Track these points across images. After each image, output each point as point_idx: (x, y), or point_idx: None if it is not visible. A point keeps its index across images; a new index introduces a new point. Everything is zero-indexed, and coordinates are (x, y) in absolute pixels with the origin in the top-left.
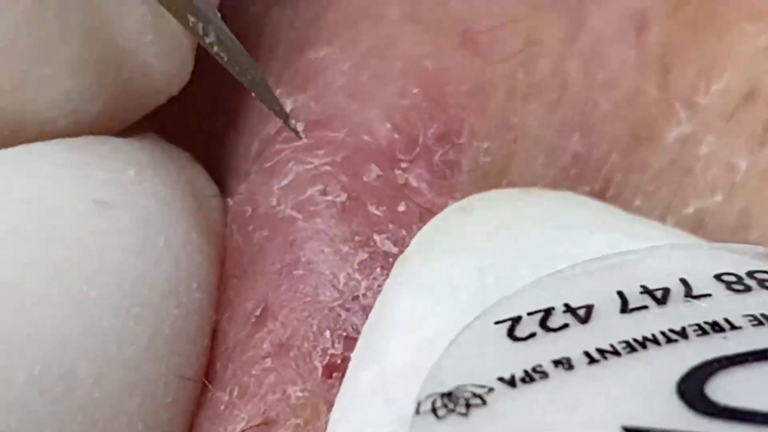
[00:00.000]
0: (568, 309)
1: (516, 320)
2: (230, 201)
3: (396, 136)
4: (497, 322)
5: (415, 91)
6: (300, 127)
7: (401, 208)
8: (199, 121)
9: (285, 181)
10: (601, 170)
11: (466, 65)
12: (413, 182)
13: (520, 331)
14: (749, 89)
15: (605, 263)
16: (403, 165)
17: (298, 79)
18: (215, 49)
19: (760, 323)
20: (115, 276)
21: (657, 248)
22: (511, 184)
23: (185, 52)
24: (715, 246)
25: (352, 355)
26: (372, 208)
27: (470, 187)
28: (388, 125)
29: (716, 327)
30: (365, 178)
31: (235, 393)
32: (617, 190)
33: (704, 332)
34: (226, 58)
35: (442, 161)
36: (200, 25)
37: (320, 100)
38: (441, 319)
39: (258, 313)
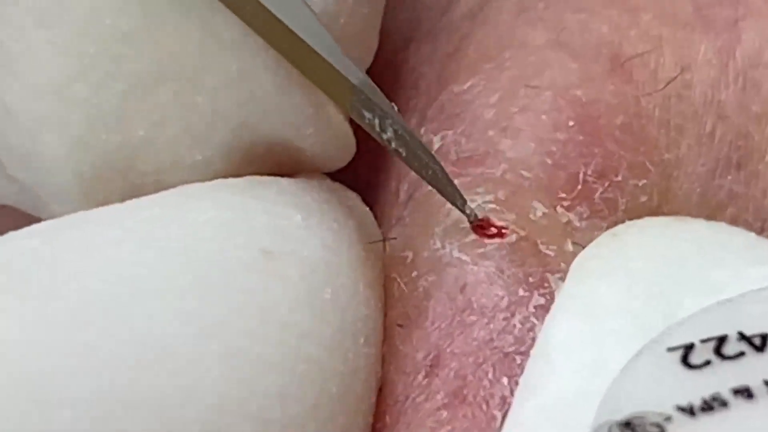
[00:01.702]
0: (743, 337)
1: (689, 347)
2: (387, 249)
3: (557, 172)
4: (670, 349)
5: (570, 124)
6: (451, 167)
7: (568, 247)
8: (342, 168)
9: (446, 223)
10: (757, 210)
11: (618, 95)
12: (575, 221)
13: (694, 359)
14: None
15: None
16: (565, 203)
17: (443, 115)
18: (393, 145)
19: None
20: (278, 331)
21: None
22: None
23: (347, 139)
24: None
25: (517, 387)
26: (543, 248)
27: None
28: (548, 161)
29: None
30: (531, 216)
31: None
32: None
33: None
34: (404, 154)
35: (602, 199)
36: (377, 121)
37: (471, 136)
38: (605, 344)
39: (429, 362)
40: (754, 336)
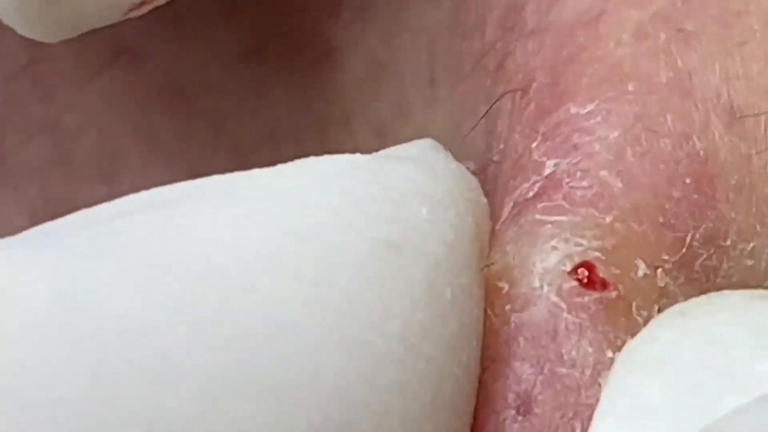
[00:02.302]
0: None
1: None
2: (484, 272)
3: (665, 232)
4: None
5: (687, 180)
6: (561, 200)
7: (655, 314)
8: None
9: (548, 262)
10: None
11: (735, 151)
12: (671, 287)
13: None
14: None
15: None
16: (667, 266)
17: (559, 137)
18: None
19: None
20: (400, 326)
21: None
22: None
23: None
24: None
25: None
26: (635, 311)
27: (722, 288)
28: (660, 218)
29: None
30: (632, 275)
31: None
32: None
33: None
34: None
35: (702, 266)
36: None
37: (586, 171)
38: None
39: (518, 405)
40: None
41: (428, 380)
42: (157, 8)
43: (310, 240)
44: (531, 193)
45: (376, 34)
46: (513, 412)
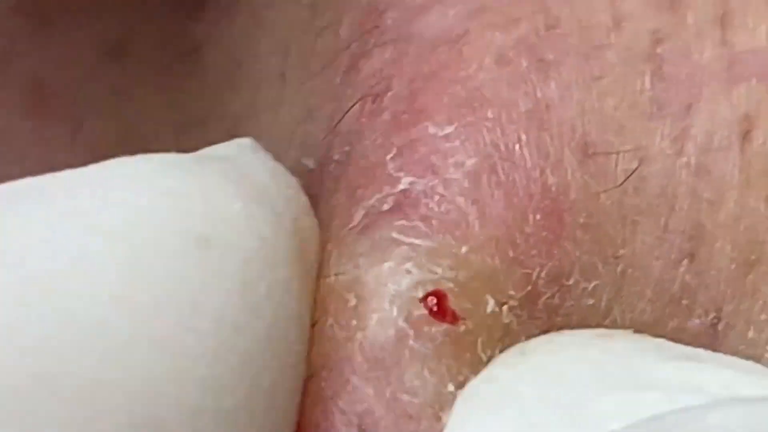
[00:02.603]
0: None
1: None
2: (330, 280)
3: (515, 268)
4: None
5: (538, 216)
6: (418, 221)
7: (496, 353)
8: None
9: (401, 286)
10: (711, 301)
11: (585, 188)
12: (514, 325)
13: None
14: None
15: (661, 424)
16: (512, 303)
17: (416, 155)
18: None
19: None
20: (212, 322)
21: (717, 403)
22: (614, 323)
23: None
24: None
25: None
26: (480, 348)
27: (563, 327)
28: (511, 253)
29: None
30: (481, 310)
31: None
32: (729, 322)
33: None
34: None
35: (545, 304)
36: None
37: (443, 196)
38: None
39: (357, 424)
40: None
41: (242, 375)
42: (23, 8)
43: (118, 238)
44: (386, 206)
45: (237, 33)
46: (355, 430)
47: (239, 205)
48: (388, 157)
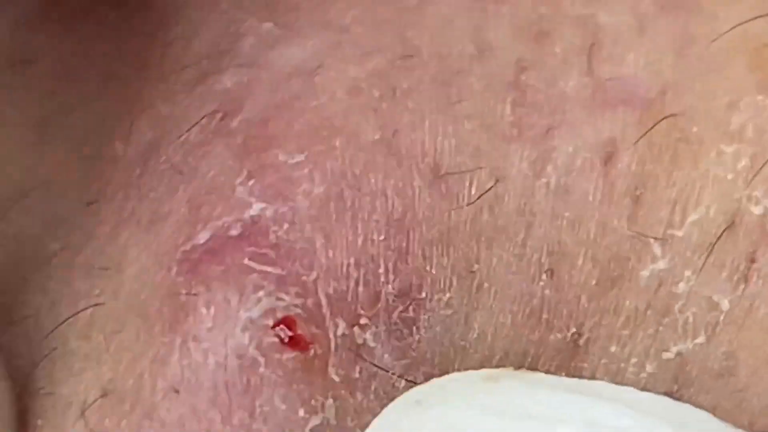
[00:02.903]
0: None
1: None
2: (182, 298)
3: (361, 289)
4: None
5: (382, 237)
6: (268, 250)
7: (355, 374)
8: None
9: (253, 313)
10: (571, 316)
11: (434, 207)
12: (370, 342)
13: None
14: (729, 218)
15: None
16: (363, 321)
17: (266, 180)
18: None
19: None
20: None
21: None
22: (478, 337)
23: None
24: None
25: None
26: (332, 371)
27: (429, 344)
28: (356, 275)
29: None
30: (331, 334)
31: None
32: (591, 336)
33: None
34: None
35: (401, 319)
36: None
37: (292, 224)
38: None
39: None
40: None
41: None
42: None
43: None
44: (235, 231)
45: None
46: None
47: None
48: (238, 180)
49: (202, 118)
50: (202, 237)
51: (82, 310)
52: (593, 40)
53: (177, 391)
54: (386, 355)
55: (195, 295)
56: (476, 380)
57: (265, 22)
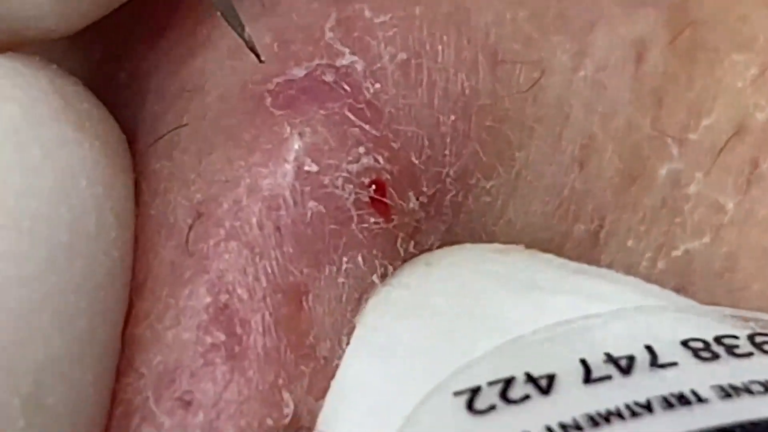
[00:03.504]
0: (530, 379)
1: (475, 391)
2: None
3: (430, 166)
4: (456, 393)
5: (452, 117)
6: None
7: (411, 248)
8: None
9: (353, 168)
10: (596, 208)
11: (492, 93)
12: (422, 222)
13: (479, 404)
14: (737, 125)
15: (568, 328)
16: (422, 200)
17: (356, 33)
18: None
19: (728, 395)
20: None
21: (621, 311)
22: (509, 223)
23: None
24: (682, 308)
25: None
26: (398, 242)
27: (464, 228)
28: (429, 152)
29: (682, 399)
30: (404, 206)
31: None
32: (610, 229)
33: (670, 405)
34: None
35: (450, 202)
36: None
37: (382, 84)
38: (399, 386)
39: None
40: (541, 377)
41: (39, 238)
42: None
43: None
44: (329, 78)
45: None
46: (280, 296)
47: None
48: (328, 25)
49: None
50: (297, 74)
51: (167, 133)
52: None
53: (278, 229)
54: (431, 237)
55: (299, 134)
56: (486, 250)
57: None
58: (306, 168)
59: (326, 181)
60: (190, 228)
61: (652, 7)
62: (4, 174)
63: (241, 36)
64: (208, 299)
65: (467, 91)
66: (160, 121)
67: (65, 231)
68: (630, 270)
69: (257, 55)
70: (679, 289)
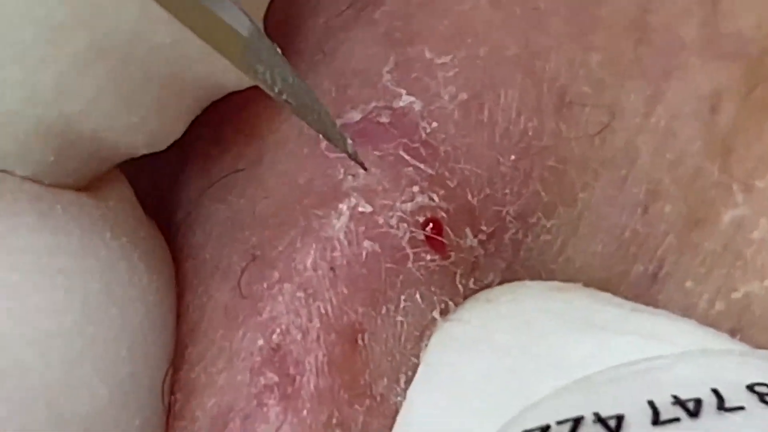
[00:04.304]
0: (599, 419)
1: (545, 429)
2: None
3: (489, 204)
4: None
5: (512, 157)
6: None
7: (471, 284)
8: None
9: (409, 206)
10: (656, 250)
11: (557, 134)
12: (481, 259)
13: None
14: None
15: (634, 369)
16: (481, 237)
17: (414, 74)
18: (284, 97)
19: None
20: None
21: (686, 354)
22: (568, 261)
23: None
24: (744, 352)
25: None
26: (458, 279)
27: (524, 266)
28: (488, 190)
29: None
30: (462, 242)
31: None
32: (669, 271)
33: None
34: (294, 104)
35: (510, 240)
36: (268, 74)
37: (440, 124)
38: (462, 422)
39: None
40: (610, 418)
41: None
42: None
43: None
44: (385, 119)
45: None
46: (334, 336)
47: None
48: (386, 68)
49: (347, 8)
50: (353, 117)
51: (223, 177)
52: None
53: (333, 270)
54: (491, 274)
55: (353, 176)
56: (545, 288)
57: None
58: (360, 209)
59: (381, 220)
60: (243, 270)
61: (731, 60)
62: (32, 236)
63: (345, 150)
64: (261, 341)
65: (530, 132)
66: (214, 165)
67: (97, 281)
68: (687, 311)
69: (362, 165)
70: (735, 331)
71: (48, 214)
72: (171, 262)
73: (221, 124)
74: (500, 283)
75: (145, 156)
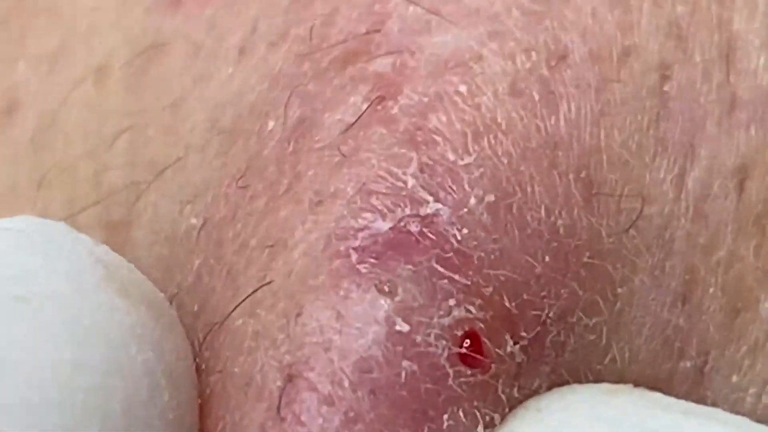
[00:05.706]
0: None
1: None
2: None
3: (527, 309)
4: None
5: (547, 258)
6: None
7: (515, 393)
8: None
9: (446, 321)
10: (700, 344)
11: (589, 228)
12: (525, 364)
13: None
14: None
15: None
16: (523, 343)
17: (439, 179)
18: None
19: None
20: (51, 370)
21: None
22: (613, 362)
23: None
24: None
25: None
26: (500, 389)
27: (569, 369)
28: (525, 294)
29: None
30: (501, 351)
31: None
32: (715, 365)
33: None
34: None
35: (552, 342)
36: None
37: (470, 230)
38: None
39: None
40: None
41: (92, 408)
42: None
43: None
44: (414, 228)
45: None
46: None
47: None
48: (410, 171)
49: (370, 104)
50: (380, 227)
51: (253, 292)
52: (729, 46)
53: (373, 392)
54: (536, 380)
55: (389, 292)
56: (595, 392)
57: (411, 5)
58: (397, 328)
59: (418, 339)
60: (282, 391)
61: (756, 126)
62: (56, 350)
63: None
64: None
65: (561, 230)
66: (241, 275)
67: (118, 401)
68: (735, 406)
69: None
70: None
71: (73, 325)
72: (194, 373)
73: (244, 231)
74: (547, 388)
75: None
